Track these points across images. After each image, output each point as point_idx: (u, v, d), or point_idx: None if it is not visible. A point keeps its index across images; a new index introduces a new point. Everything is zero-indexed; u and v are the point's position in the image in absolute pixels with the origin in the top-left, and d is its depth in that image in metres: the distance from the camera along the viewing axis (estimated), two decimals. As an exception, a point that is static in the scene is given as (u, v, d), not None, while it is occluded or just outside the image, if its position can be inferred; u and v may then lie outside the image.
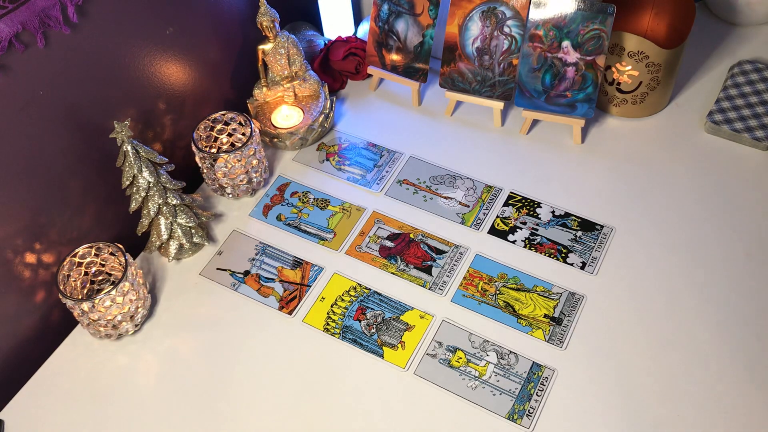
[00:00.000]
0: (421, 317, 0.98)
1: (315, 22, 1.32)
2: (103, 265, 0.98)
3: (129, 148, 0.94)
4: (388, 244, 1.05)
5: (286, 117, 1.17)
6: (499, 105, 1.16)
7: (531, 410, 0.88)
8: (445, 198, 1.10)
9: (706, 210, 1.06)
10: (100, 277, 1.00)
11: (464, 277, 1.01)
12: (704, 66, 1.24)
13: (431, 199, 1.10)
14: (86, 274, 0.98)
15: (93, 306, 0.91)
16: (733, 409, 0.87)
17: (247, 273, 1.04)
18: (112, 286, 0.94)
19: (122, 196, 1.00)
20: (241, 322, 0.99)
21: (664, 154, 1.13)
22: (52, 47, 0.86)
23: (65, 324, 1.00)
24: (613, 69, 1.12)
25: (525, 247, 1.04)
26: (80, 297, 0.97)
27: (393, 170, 1.14)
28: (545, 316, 0.97)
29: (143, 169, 0.96)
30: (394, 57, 1.19)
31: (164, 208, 1.00)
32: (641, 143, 1.14)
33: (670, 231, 1.04)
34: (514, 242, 1.04)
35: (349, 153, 1.17)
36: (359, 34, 1.30)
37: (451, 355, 0.94)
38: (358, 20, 1.34)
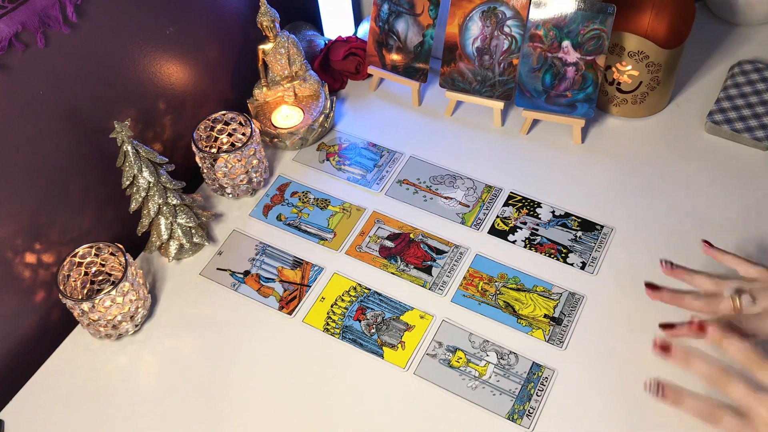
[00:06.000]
0: (421, 317, 0.98)
1: (315, 22, 1.32)
2: (103, 265, 0.98)
3: (129, 148, 0.94)
4: (388, 244, 1.05)
5: (286, 117, 1.17)
6: (499, 105, 1.16)
7: (531, 410, 0.88)
8: (445, 198, 1.10)
9: (706, 210, 1.05)
10: (100, 277, 1.00)
11: (464, 277, 1.01)
12: (704, 66, 1.24)
13: (431, 199, 1.10)
14: (86, 274, 0.98)
15: (93, 306, 0.91)
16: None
17: (247, 273, 1.04)
18: (112, 286, 0.94)
19: (122, 196, 1.00)
20: (241, 322, 0.99)
21: (664, 154, 1.13)
22: (52, 47, 0.86)
23: (65, 324, 1.00)
24: (613, 69, 1.12)
25: (525, 247, 1.04)
26: (80, 297, 0.97)
27: (393, 170, 1.14)
28: (545, 316, 0.96)
29: (143, 169, 0.96)
30: (394, 57, 1.19)
31: (164, 208, 1.00)
32: (641, 143, 1.14)
33: (670, 231, 1.04)
34: (514, 242, 1.04)
35: (349, 153, 1.17)
36: (359, 34, 1.30)
37: (451, 355, 0.94)
38: (358, 20, 1.34)
